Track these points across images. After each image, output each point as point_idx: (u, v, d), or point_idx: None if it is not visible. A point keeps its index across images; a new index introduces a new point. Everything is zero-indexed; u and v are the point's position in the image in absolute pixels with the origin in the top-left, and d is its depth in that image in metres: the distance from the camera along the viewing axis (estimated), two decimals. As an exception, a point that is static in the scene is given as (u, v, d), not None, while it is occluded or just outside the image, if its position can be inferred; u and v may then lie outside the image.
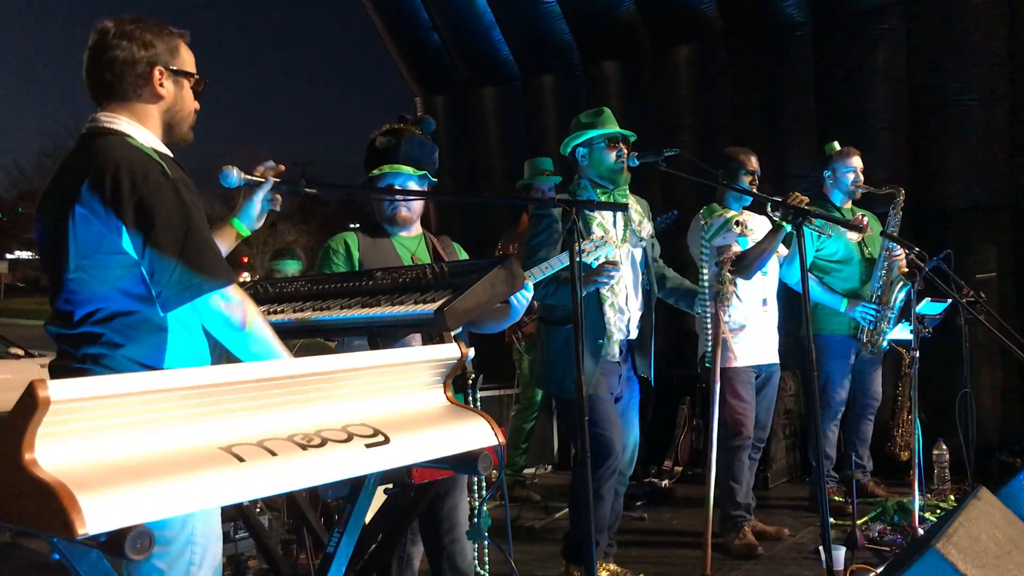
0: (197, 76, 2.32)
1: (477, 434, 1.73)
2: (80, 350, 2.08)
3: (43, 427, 1.24)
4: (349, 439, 1.53)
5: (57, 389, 1.23)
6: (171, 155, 2.26)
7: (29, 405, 1.23)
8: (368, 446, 1.54)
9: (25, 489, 1.22)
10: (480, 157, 8.07)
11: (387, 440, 1.57)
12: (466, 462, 1.71)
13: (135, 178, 2.02)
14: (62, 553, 1.43)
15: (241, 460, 1.38)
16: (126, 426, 1.33)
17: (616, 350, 3.86)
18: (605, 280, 3.68)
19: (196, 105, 2.35)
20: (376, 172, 3.22)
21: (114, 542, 1.21)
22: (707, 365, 4.29)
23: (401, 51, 8.35)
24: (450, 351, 1.79)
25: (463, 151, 8.07)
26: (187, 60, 2.31)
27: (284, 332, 2.64)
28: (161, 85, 2.23)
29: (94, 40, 2.22)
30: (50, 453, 1.24)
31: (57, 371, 2.11)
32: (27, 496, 1.22)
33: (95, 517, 1.19)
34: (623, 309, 3.87)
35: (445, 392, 1.80)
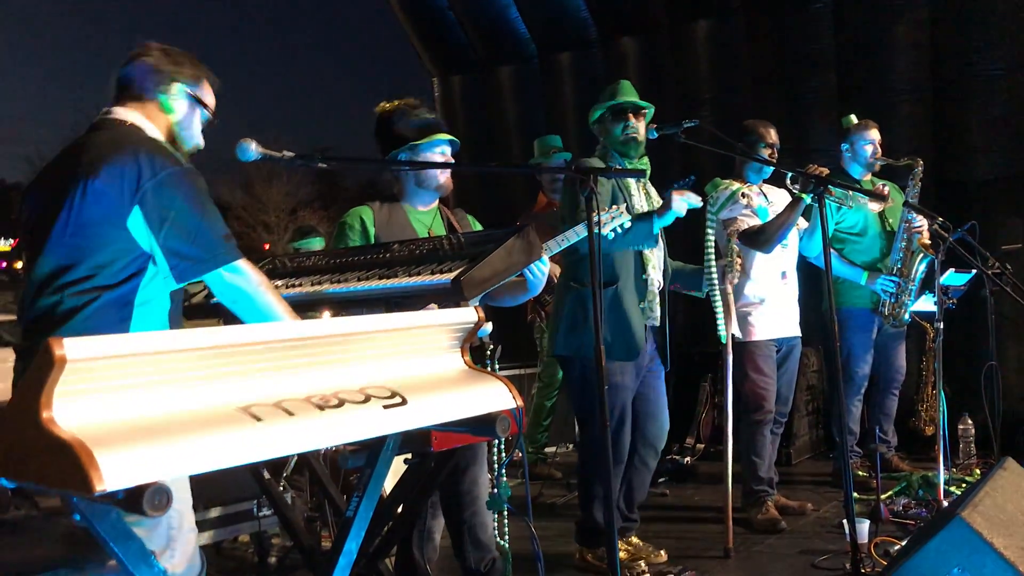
0: (210, 111, 2.54)
1: (495, 397, 1.72)
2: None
3: (60, 385, 1.24)
4: (366, 400, 1.53)
5: (73, 347, 1.23)
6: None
7: (46, 363, 1.23)
8: (386, 407, 1.53)
9: (43, 447, 1.23)
10: (498, 136, 8.04)
11: (404, 402, 1.56)
12: (484, 424, 1.70)
13: (155, 161, 2.20)
14: (83, 514, 1.43)
15: (258, 420, 1.38)
16: (143, 385, 1.33)
17: (656, 314, 3.84)
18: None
19: (200, 140, 2.56)
20: (435, 138, 3.25)
21: (132, 499, 1.21)
22: (723, 341, 4.24)
23: (418, 32, 8.32)
24: (467, 315, 1.78)
25: (480, 131, 8.04)
26: (207, 96, 2.53)
27: (302, 305, 2.65)
28: (176, 98, 2.45)
29: (136, 52, 2.46)
30: (67, 411, 1.25)
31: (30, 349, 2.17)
32: (45, 454, 1.22)
33: (113, 474, 1.19)
34: (657, 278, 3.86)
35: (463, 356, 1.79)
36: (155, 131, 2.41)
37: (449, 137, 3.30)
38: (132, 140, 2.26)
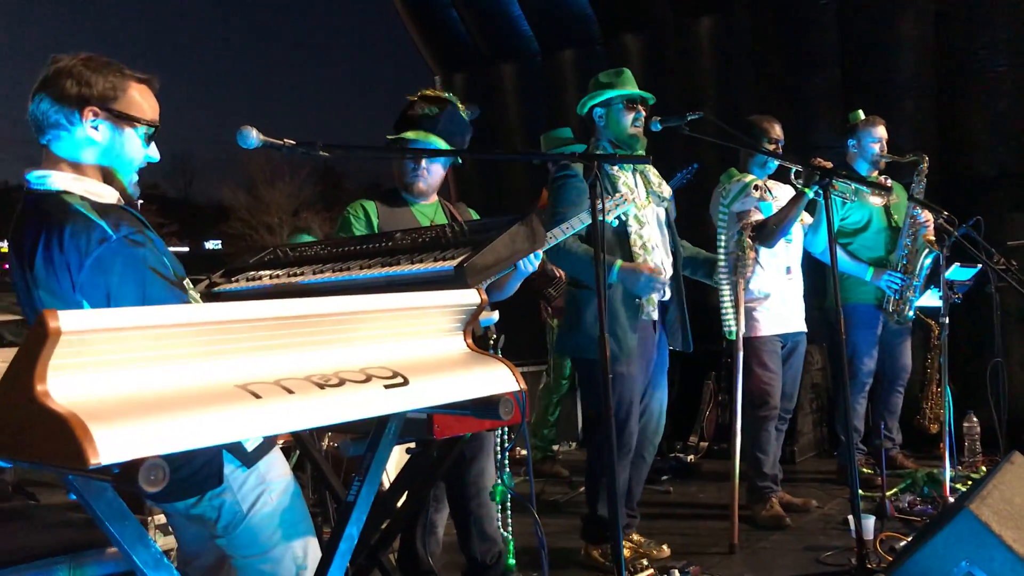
0: (146, 123, 2.12)
1: (498, 379, 1.69)
2: None
3: (55, 359, 1.21)
4: (367, 380, 1.50)
5: (68, 320, 1.21)
6: (118, 203, 2.09)
7: (39, 336, 1.20)
8: (387, 387, 1.50)
9: (37, 421, 1.20)
10: (500, 135, 8.01)
11: (406, 382, 1.53)
12: (487, 407, 1.67)
13: (79, 244, 1.89)
14: (78, 492, 1.40)
15: (257, 397, 1.35)
16: (140, 360, 1.30)
17: (653, 309, 3.81)
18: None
19: (149, 154, 2.16)
20: (410, 135, 3.21)
21: (128, 473, 1.18)
22: (730, 338, 4.22)
23: (420, 29, 8.30)
24: (469, 297, 1.75)
25: (483, 129, 7.99)
26: (137, 105, 2.10)
27: (304, 293, 2.62)
28: (94, 127, 2.04)
29: (42, 75, 2.04)
30: (62, 385, 1.21)
31: None
32: (38, 428, 1.20)
33: (108, 447, 1.16)
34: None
35: (465, 339, 1.77)
36: (85, 183, 2.03)
37: (415, 136, 3.23)
38: (51, 221, 1.92)
